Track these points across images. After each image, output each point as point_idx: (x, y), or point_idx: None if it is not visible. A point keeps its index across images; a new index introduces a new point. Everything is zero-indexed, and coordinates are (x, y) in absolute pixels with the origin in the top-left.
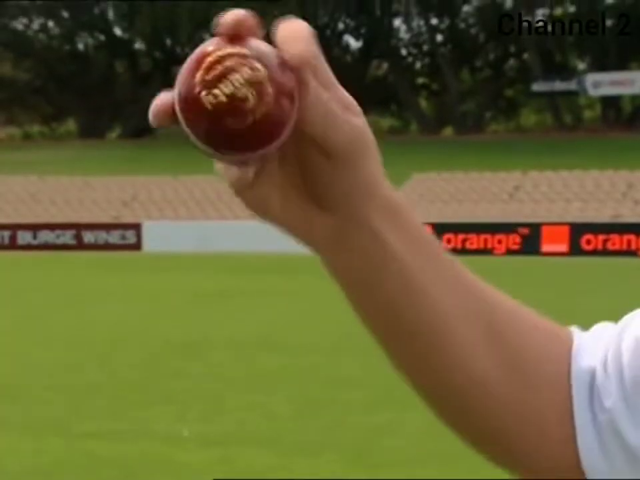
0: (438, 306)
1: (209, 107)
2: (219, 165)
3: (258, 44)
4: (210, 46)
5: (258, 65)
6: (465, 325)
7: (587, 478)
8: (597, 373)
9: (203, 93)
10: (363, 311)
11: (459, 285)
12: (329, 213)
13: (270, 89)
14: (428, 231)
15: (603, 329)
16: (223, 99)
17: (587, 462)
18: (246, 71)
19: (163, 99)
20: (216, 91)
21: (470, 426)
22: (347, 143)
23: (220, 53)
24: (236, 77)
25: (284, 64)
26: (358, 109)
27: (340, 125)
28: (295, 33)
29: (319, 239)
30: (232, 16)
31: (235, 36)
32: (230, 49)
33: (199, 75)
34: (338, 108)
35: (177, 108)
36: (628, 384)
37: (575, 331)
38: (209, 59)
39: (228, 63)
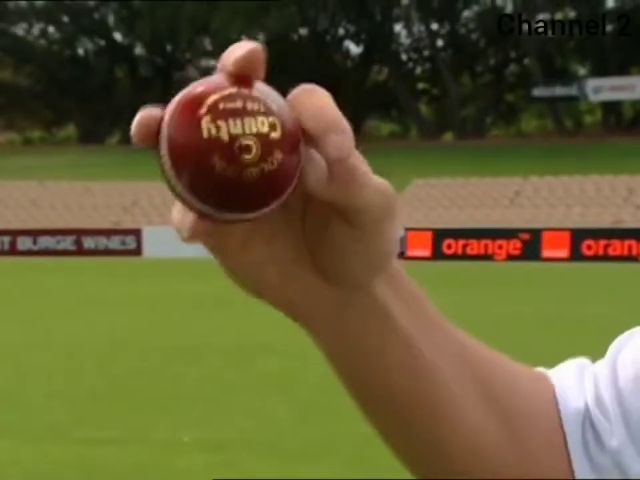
0: (440, 377)
1: (204, 134)
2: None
3: (275, 96)
4: (224, 81)
5: (277, 124)
6: (465, 395)
7: None
8: (591, 414)
9: (206, 119)
10: (358, 389)
11: (458, 353)
12: (334, 284)
13: (278, 155)
14: (422, 294)
15: (580, 366)
16: (224, 136)
17: None
18: (262, 123)
19: (151, 112)
20: (221, 123)
21: None
22: (376, 211)
23: (246, 92)
24: (250, 123)
25: (296, 122)
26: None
27: (366, 188)
28: (330, 119)
29: (317, 314)
30: (245, 51)
31: (241, 76)
32: (257, 93)
33: (214, 97)
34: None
35: (166, 121)
36: (633, 421)
37: (547, 372)
38: (232, 90)
39: (250, 105)
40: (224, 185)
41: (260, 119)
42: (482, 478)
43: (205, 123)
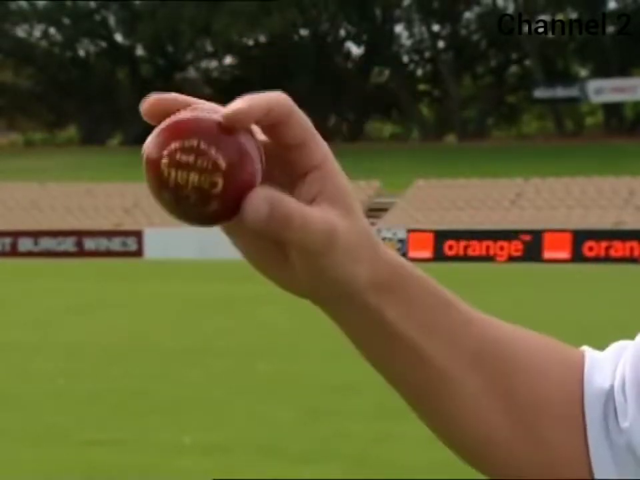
0: (448, 382)
1: (162, 174)
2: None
3: (238, 150)
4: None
5: (219, 181)
6: (478, 396)
7: None
8: (614, 394)
9: (164, 161)
10: (376, 366)
11: (475, 351)
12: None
13: (214, 205)
14: (431, 280)
15: (620, 347)
16: (172, 183)
17: None
18: (205, 179)
19: (166, 102)
20: (172, 171)
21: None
22: (316, 247)
23: (205, 147)
24: (194, 177)
25: (248, 173)
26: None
27: (306, 227)
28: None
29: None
30: (239, 111)
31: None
32: (216, 150)
33: (175, 145)
34: (303, 202)
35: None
36: None
37: (586, 350)
38: (193, 143)
39: (200, 161)
40: (171, 211)
41: (204, 175)
42: (491, 466)
43: (163, 165)
